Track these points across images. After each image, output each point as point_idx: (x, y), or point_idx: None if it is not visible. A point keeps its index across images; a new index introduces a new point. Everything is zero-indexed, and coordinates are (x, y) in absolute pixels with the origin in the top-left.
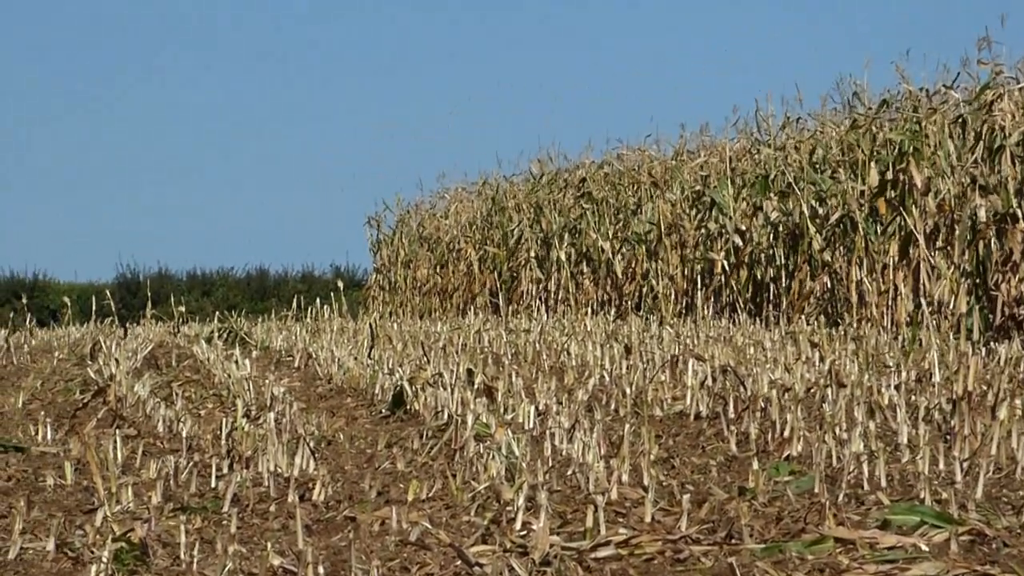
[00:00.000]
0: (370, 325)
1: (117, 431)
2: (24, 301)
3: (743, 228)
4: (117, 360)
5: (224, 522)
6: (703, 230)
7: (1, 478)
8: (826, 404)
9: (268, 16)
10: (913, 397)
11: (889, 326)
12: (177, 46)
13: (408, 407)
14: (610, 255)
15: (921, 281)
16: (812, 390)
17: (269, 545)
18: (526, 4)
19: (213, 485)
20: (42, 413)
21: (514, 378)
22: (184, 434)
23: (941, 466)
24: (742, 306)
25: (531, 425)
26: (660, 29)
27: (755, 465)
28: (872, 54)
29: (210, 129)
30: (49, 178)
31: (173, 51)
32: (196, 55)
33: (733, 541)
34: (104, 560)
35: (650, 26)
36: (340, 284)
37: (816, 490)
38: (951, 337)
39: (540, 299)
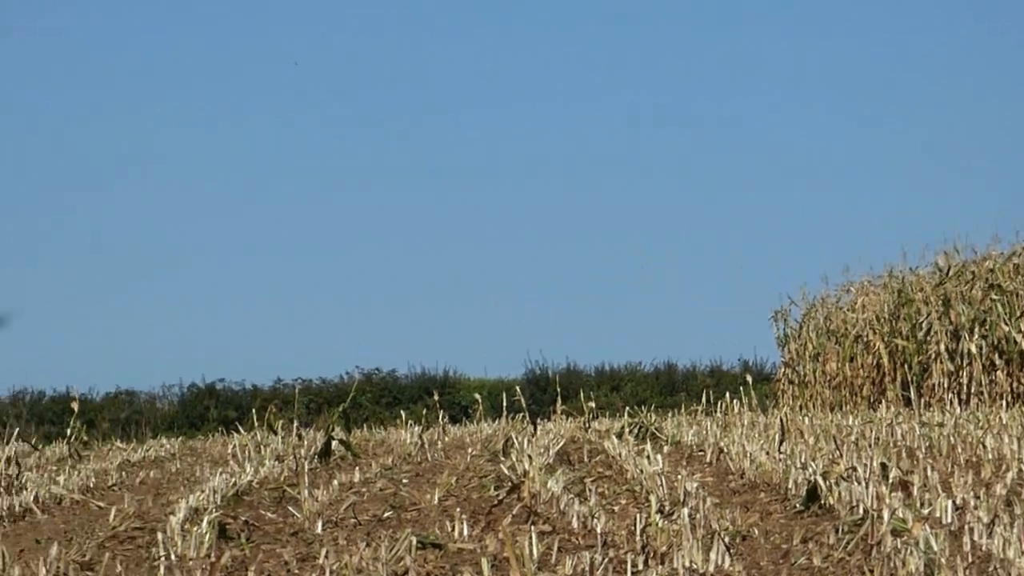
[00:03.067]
0: (781, 419)
1: (532, 527)
2: (436, 398)
3: None
4: (530, 456)
5: None
6: None
7: (421, 574)
8: None
9: (678, 120)
10: None
11: None
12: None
13: (822, 502)
14: (1023, 347)
15: None
16: None
17: None
18: (928, 95)
19: None
20: (458, 509)
21: (929, 472)
22: (599, 530)
23: None
24: None
25: (948, 520)
26: None
27: None
28: None
29: (617, 228)
30: (460, 280)
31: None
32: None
33: None
34: None
35: None
36: (749, 378)
37: None
38: None
39: (952, 391)
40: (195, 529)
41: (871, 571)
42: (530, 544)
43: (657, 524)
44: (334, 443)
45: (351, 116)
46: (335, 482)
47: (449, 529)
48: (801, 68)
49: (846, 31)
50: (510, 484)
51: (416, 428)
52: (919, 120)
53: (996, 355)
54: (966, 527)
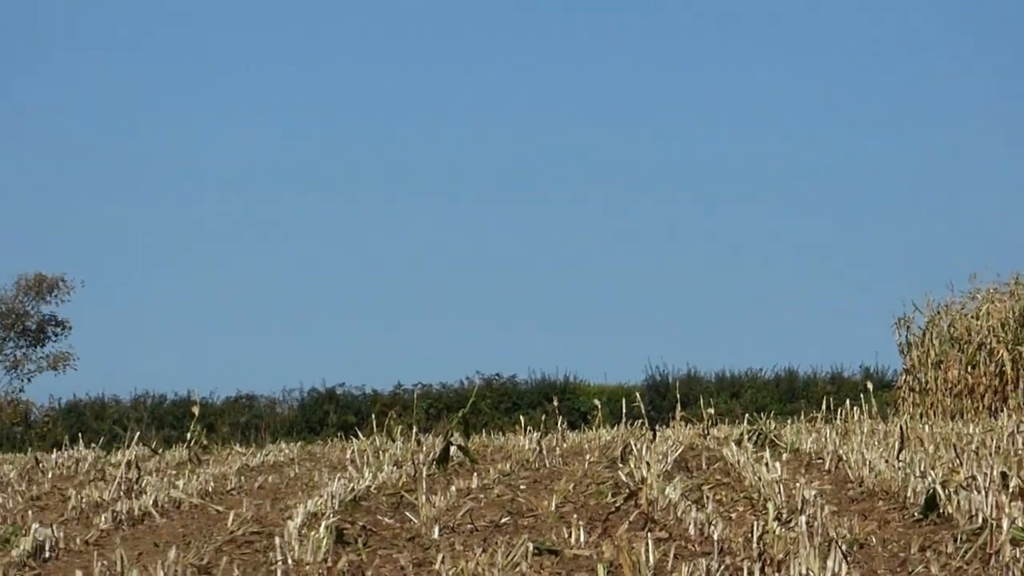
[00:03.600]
0: (900, 427)
1: (649, 534)
2: (555, 404)
3: None
4: (648, 463)
5: None
6: None
7: None
8: None
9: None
10: None
11: None
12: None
13: (941, 510)
14: None
15: None
16: None
17: None
18: None
19: None
20: (575, 516)
21: None
22: (715, 537)
23: None
24: None
25: None
26: None
27: None
28: None
29: (738, 233)
30: (582, 286)
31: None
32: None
33: None
34: None
35: None
36: (870, 385)
37: None
38: None
39: None
40: (312, 534)
41: None
42: (646, 551)
43: (774, 532)
44: (453, 449)
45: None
46: (453, 488)
47: (565, 535)
48: (932, 64)
49: (987, 29)
50: (627, 491)
51: (535, 434)
52: None
53: None
54: None
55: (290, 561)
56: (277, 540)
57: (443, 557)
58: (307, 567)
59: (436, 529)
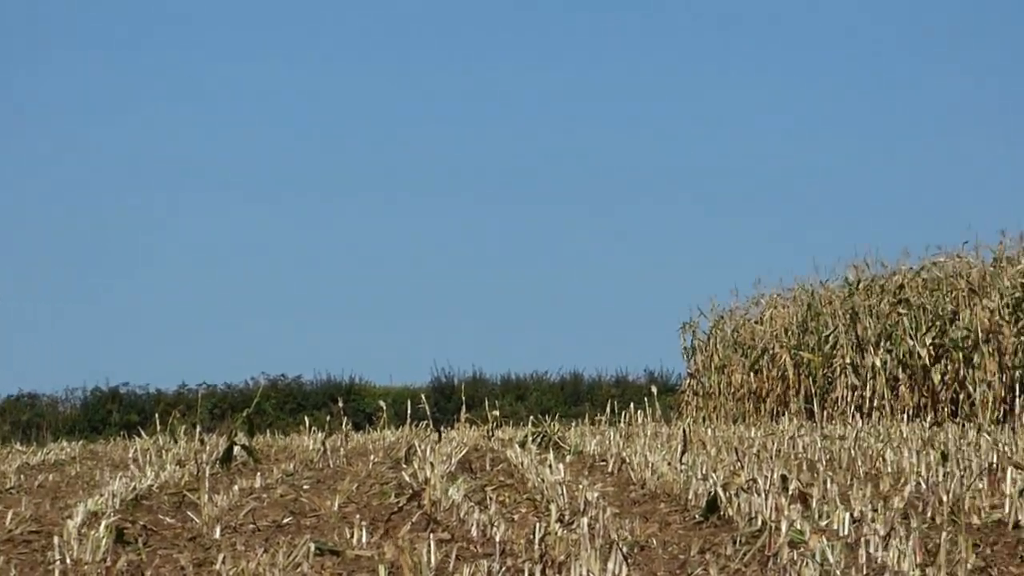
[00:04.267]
0: (683, 430)
1: (431, 535)
2: (340, 405)
3: None
4: (432, 464)
5: None
6: (1023, 337)
7: None
8: None
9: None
10: None
11: None
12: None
13: (722, 513)
14: (927, 361)
15: None
16: None
17: None
18: (839, 109)
19: None
20: (357, 516)
21: (829, 484)
22: (497, 538)
23: None
24: None
25: (845, 532)
26: (981, 132)
27: None
28: None
29: (523, 237)
30: (367, 288)
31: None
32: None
33: None
34: None
35: (969, 129)
36: (654, 389)
37: None
38: None
39: (855, 405)
40: (92, 533)
41: None
42: (428, 552)
43: (556, 533)
44: (236, 448)
45: (270, 126)
46: (236, 487)
47: (348, 536)
48: (723, 77)
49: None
50: (411, 491)
51: (319, 434)
52: (834, 134)
53: (900, 369)
54: (862, 540)
55: (68, 561)
56: (56, 539)
57: (224, 557)
58: (86, 567)
59: (218, 529)
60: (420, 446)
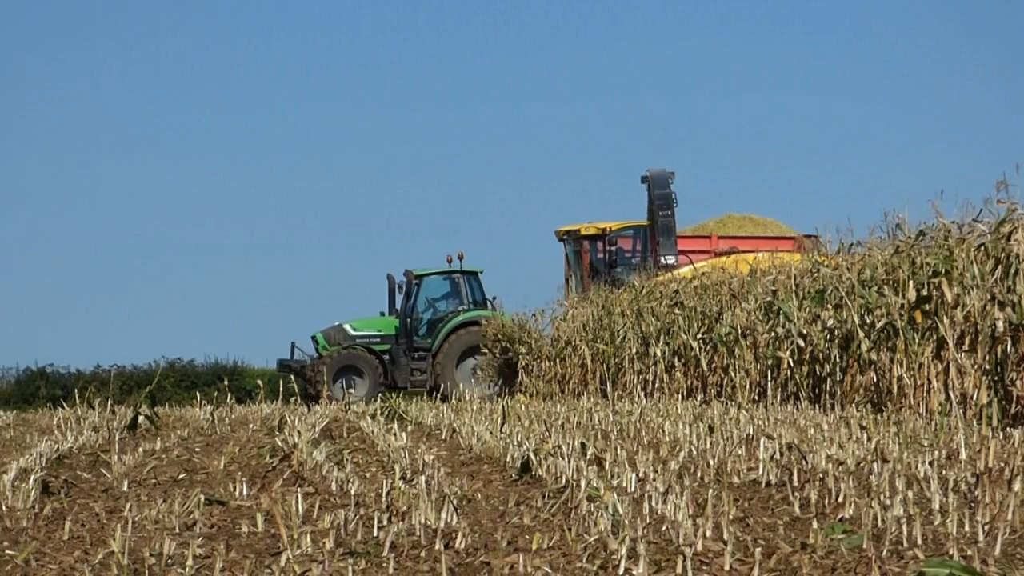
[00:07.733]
0: (503, 406)
1: (299, 489)
2: (226, 383)
3: (805, 332)
4: (300, 432)
5: (383, 564)
6: (773, 333)
7: (207, 525)
8: (873, 476)
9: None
10: (944, 471)
11: (924, 413)
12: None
13: (533, 473)
14: (697, 352)
15: (951, 377)
16: (861, 464)
17: None
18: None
19: (375, 534)
20: (239, 473)
21: (619, 450)
22: (352, 492)
23: (967, 528)
24: (804, 395)
25: (633, 489)
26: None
27: (815, 525)
28: (912, 194)
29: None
30: (263, 282)
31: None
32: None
33: None
34: None
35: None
36: None
37: (864, 546)
38: (975, 423)
39: (640, 387)
40: (23, 486)
41: (570, 529)
42: (296, 503)
43: (400, 488)
44: (141, 418)
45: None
46: (140, 449)
47: (231, 489)
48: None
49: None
50: (282, 454)
51: (208, 407)
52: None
53: (676, 359)
54: (646, 495)
55: (4, 508)
56: None
57: (131, 506)
58: (18, 513)
59: (126, 483)
60: (290, 418)
